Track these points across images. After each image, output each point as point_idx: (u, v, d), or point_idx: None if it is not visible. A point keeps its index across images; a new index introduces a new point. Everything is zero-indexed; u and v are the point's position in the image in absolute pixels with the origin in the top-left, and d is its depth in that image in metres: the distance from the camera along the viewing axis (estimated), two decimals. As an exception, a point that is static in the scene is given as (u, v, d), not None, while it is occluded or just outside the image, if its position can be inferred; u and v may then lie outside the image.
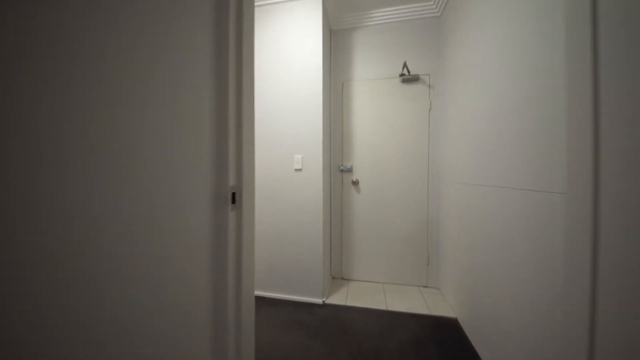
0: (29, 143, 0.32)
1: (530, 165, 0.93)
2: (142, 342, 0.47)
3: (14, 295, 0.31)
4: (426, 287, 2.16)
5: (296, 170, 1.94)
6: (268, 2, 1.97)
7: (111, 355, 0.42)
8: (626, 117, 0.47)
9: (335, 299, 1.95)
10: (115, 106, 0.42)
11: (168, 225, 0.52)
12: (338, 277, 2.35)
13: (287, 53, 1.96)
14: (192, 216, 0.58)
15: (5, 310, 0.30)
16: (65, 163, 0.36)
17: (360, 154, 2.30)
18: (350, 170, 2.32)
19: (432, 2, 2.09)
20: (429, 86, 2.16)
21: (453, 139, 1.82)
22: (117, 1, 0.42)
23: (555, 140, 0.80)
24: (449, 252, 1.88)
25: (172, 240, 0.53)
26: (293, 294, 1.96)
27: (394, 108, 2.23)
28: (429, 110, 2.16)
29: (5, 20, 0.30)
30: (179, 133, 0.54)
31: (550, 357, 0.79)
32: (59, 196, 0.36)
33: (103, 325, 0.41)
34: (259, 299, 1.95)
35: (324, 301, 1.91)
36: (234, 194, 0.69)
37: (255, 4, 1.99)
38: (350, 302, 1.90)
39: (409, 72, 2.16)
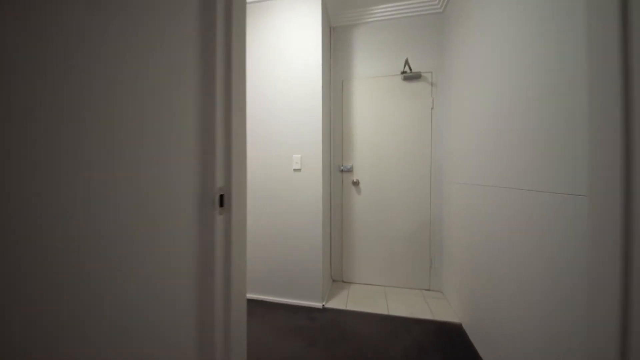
0: (24, 143, 0.32)
1: (543, 166, 0.88)
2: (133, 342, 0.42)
3: (8, 294, 0.30)
4: (429, 290, 2.09)
5: (295, 170, 1.88)
6: (266, -2, 1.92)
7: (96, 353, 0.39)
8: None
9: (336, 303, 1.90)
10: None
11: (135, 234, 0.45)
12: (338, 280, 2.29)
13: (286, 50, 1.90)
14: (168, 221, 0.51)
15: (1, 309, 0.29)
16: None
17: (360, 153, 2.25)
18: (350, 171, 2.26)
19: (434, -2, 2.04)
20: (432, 84, 2.10)
21: (457, 138, 1.76)
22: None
23: (579, 140, 0.75)
24: (452, 254, 1.82)
25: (143, 255, 0.47)
26: (292, 298, 1.90)
27: (395, 106, 2.17)
28: (432, 108, 2.10)
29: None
30: (152, 124, 0.47)
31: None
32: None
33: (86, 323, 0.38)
34: (256, 303, 1.89)
35: (323, 305, 1.85)
36: (222, 196, 0.63)
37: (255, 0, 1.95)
38: (351, 307, 1.84)
39: (410, 69, 2.10)
